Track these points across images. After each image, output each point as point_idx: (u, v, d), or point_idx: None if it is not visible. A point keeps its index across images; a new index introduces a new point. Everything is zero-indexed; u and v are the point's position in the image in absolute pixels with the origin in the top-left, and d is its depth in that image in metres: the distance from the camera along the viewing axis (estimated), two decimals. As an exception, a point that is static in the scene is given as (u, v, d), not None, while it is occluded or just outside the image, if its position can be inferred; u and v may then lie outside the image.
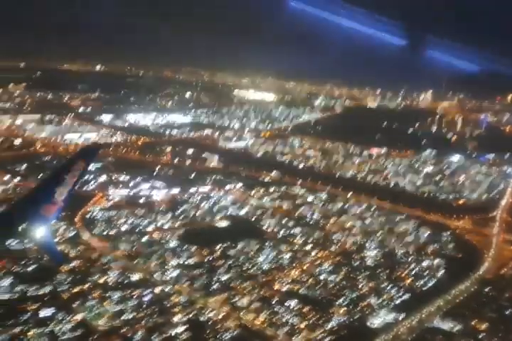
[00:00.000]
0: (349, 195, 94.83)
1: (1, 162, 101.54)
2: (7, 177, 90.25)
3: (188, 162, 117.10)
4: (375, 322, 52.73)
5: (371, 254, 69.35)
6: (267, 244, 68.48)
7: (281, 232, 74.16)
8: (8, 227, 13.54)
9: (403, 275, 64.27)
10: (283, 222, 78.29)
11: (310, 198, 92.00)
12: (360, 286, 60.05)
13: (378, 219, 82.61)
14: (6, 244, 59.63)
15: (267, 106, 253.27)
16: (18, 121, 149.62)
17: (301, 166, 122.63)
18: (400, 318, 53.57)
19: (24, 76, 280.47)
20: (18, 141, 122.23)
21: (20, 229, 13.27)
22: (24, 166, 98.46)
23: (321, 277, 61.08)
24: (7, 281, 52.66)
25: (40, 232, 13.75)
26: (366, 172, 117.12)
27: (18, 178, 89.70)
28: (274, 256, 64.47)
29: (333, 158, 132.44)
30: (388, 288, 60.28)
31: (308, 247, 69.60)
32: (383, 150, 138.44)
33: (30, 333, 43.87)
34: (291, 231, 74.40)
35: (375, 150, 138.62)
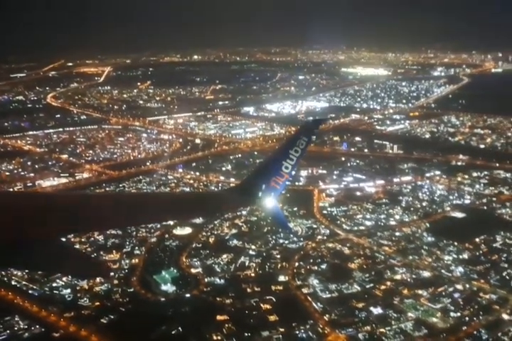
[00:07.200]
0: None
1: (200, 161, 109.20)
2: (222, 178, 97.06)
3: (366, 150, 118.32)
4: None
5: None
6: (525, 234, 68.23)
7: (529, 220, 73.22)
8: (250, 196, 14.39)
9: None
10: (520, 209, 77.53)
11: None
12: None
13: None
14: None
15: (388, 82, 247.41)
16: (180, 120, 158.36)
17: (482, 146, 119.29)
18: None
19: (141, 73, 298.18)
20: (197, 141, 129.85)
21: (260, 198, 14.08)
22: (226, 165, 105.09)
23: None
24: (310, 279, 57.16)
25: (270, 202, 14.44)
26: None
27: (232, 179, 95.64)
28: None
29: (507, 134, 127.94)
30: None
31: None
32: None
33: (380, 330, 47.58)
34: (539, 219, 73.30)
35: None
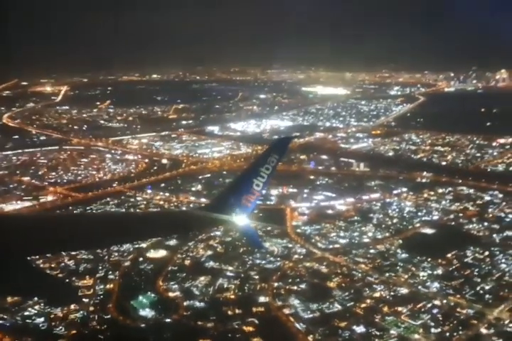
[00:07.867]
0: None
1: (169, 182, 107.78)
2: (192, 198, 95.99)
3: (333, 168, 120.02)
4: None
5: None
6: (492, 249, 70.31)
7: (495, 236, 75.51)
8: (222, 215, 14.57)
9: None
10: (485, 224, 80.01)
11: (487, 197, 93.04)
12: None
13: None
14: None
15: (347, 102, 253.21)
16: (144, 140, 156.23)
17: (443, 163, 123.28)
18: None
19: (100, 92, 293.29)
20: (164, 161, 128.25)
21: (232, 216, 14.26)
22: (195, 185, 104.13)
23: None
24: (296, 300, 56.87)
25: (242, 221, 14.69)
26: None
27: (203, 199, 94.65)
28: (516, 262, 66.16)
29: (466, 151, 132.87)
30: None
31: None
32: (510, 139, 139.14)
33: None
34: (505, 234, 75.68)
35: (501, 140, 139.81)
